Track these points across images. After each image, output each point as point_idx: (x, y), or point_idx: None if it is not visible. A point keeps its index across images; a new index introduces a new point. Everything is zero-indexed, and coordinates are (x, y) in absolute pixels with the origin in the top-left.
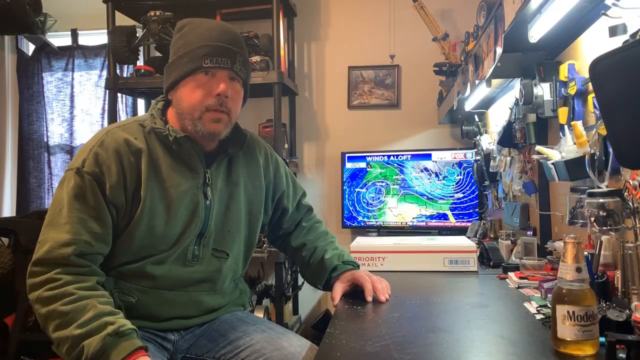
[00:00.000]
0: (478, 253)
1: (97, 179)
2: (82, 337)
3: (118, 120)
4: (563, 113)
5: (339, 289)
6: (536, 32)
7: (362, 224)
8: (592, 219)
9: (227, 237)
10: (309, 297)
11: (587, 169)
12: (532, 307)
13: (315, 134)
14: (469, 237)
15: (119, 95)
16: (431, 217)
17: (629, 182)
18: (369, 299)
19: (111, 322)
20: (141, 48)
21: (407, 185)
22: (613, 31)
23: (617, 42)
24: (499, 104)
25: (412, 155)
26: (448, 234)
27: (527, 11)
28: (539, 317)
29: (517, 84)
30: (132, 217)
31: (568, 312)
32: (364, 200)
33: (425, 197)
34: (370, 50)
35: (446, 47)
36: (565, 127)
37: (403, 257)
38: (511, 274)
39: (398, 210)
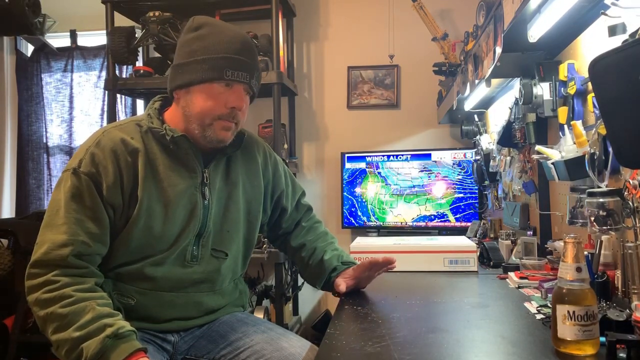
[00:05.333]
0: (478, 253)
1: (93, 179)
2: (81, 339)
3: (116, 121)
4: (563, 113)
5: (340, 279)
6: (535, 32)
7: (362, 224)
8: (592, 218)
9: (226, 237)
10: (309, 297)
11: (587, 168)
12: (532, 307)
13: (315, 134)
14: (469, 237)
15: (118, 96)
16: (431, 217)
17: (629, 182)
18: (380, 259)
19: (110, 324)
20: (140, 49)
21: (407, 185)
22: (612, 31)
23: (617, 41)
24: (498, 104)
25: (412, 155)
26: (448, 234)
27: (527, 11)
28: (539, 317)
29: (516, 83)
30: (130, 217)
31: (568, 311)
32: (363, 200)
33: (425, 196)
34: (369, 50)
35: (445, 47)
36: (565, 126)
37: (403, 257)
38: (511, 274)
39: (398, 210)
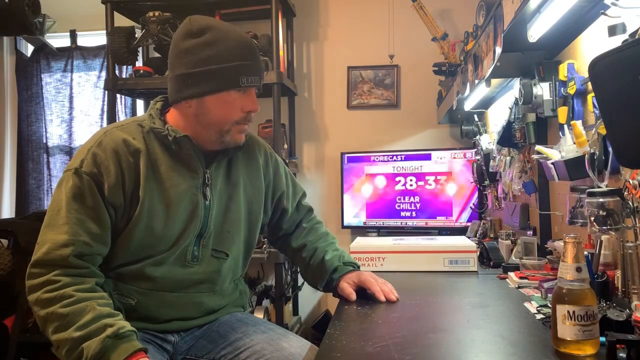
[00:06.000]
0: (478, 253)
1: (95, 179)
2: (81, 339)
3: (117, 121)
4: (562, 112)
5: (348, 287)
6: (535, 32)
7: (362, 224)
8: (592, 218)
9: (227, 238)
10: (308, 297)
11: (587, 168)
12: (532, 307)
13: (315, 134)
14: (469, 237)
15: (118, 96)
16: (431, 217)
17: (629, 182)
18: (383, 299)
19: (110, 324)
20: (140, 49)
21: (407, 185)
22: (612, 30)
23: (617, 41)
24: (498, 104)
25: (412, 155)
26: (448, 234)
27: (527, 10)
28: (539, 317)
29: (516, 83)
30: (131, 217)
31: (568, 311)
32: (363, 200)
33: (425, 196)
34: (369, 50)
35: (445, 46)
36: (565, 126)
37: (403, 257)
38: (511, 274)
39: (398, 211)
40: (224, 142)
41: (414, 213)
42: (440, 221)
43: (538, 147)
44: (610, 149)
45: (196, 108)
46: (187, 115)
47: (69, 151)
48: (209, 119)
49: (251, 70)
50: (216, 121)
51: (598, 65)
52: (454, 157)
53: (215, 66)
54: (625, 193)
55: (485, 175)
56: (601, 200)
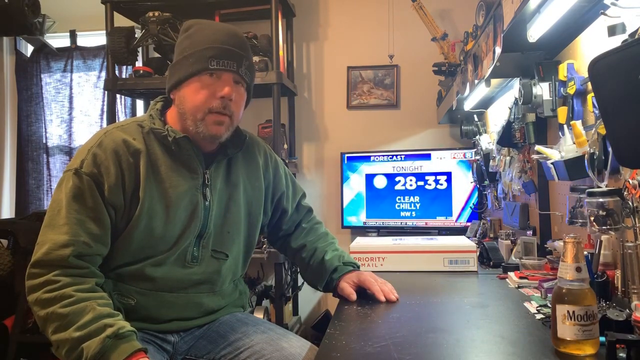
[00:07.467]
0: (478, 253)
1: (95, 179)
2: (81, 339)
3: (117, 122)
4: (562, 112)
5: (348, 287)
6: (535, 32)
7: (362, 224)
8: (592, 218)
9: (227, 238)
10: (308, 297)
11: (587, 168)
12: (532, 307)
13: (315, 135)
14: (469, 237)
15: (118, 96)
16: (431, 217)
17: (629, 182)
18: (383, 299)
19: (110, 324)
20: (140, 49)
21: (406, 185)
22: (612, 30)
23: (616, 41)
24: (498, 104)
25: (412, 155)
26: (448, 234)
27: (526, 11)
28: (539, 317)
29: (516, 83)
30: (131, 218)
31: (568, 311)
32: (363, 200)
33: (425, 196)
34: (369, 50)
35: (445, 47)
36: (565, 126)
37: (403, 257)
38: (511, 274)
39: (398, 210)
40: (200, 133)
41: (413, 213)
42: (440, 221)
43: (538, 147)
44: (610, 149)
45: (177, 98)
46: (176, 109)
47: (68, 151)
48: (185, 106)
49: (223, 54)
50: (190, 108)
51: (598, 65)
52: (454, 157)
53: (188, 52)
54: (625, 193)
55: (485, 175)
56: (601, 200)
